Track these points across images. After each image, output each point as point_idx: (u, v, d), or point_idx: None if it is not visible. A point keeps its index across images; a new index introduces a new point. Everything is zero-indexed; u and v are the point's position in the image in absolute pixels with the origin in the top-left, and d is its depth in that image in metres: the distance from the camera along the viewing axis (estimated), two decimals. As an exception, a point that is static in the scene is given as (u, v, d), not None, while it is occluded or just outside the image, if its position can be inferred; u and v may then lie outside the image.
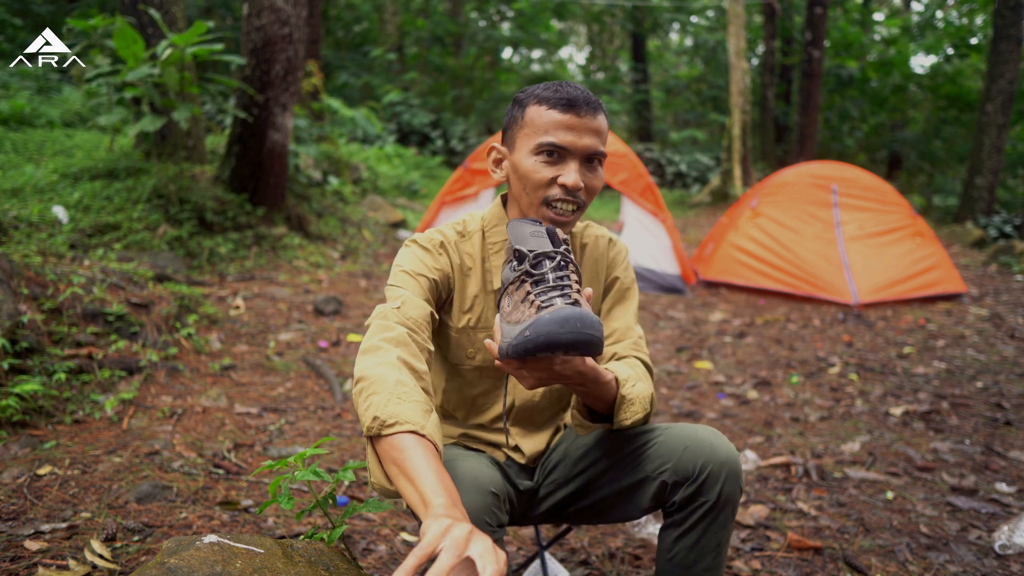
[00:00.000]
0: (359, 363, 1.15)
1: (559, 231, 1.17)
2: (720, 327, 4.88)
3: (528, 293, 1.07)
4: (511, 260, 1.14)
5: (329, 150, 8.03)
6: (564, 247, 1.13)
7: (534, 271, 1.09)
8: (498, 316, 1.14)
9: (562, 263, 1.10)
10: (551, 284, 1.06)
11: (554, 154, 1.26)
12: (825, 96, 16.65)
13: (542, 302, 1.04)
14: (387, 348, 1.15)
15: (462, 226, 1.42)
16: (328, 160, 7.97)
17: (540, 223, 1.17)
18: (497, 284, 1.36)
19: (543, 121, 1.26)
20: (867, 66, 16.76)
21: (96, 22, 5.06)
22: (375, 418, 1.05)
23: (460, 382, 1.43)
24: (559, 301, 1.03)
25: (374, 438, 1.07)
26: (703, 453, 1.25)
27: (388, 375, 1.10)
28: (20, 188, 5.05)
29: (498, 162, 1.37)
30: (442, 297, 1.36)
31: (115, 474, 2.21)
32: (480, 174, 5.59)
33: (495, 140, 1.53)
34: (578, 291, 1.09)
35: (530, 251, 1.10)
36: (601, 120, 1.28)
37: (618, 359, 1.41)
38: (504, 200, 1.43)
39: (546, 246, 1.11)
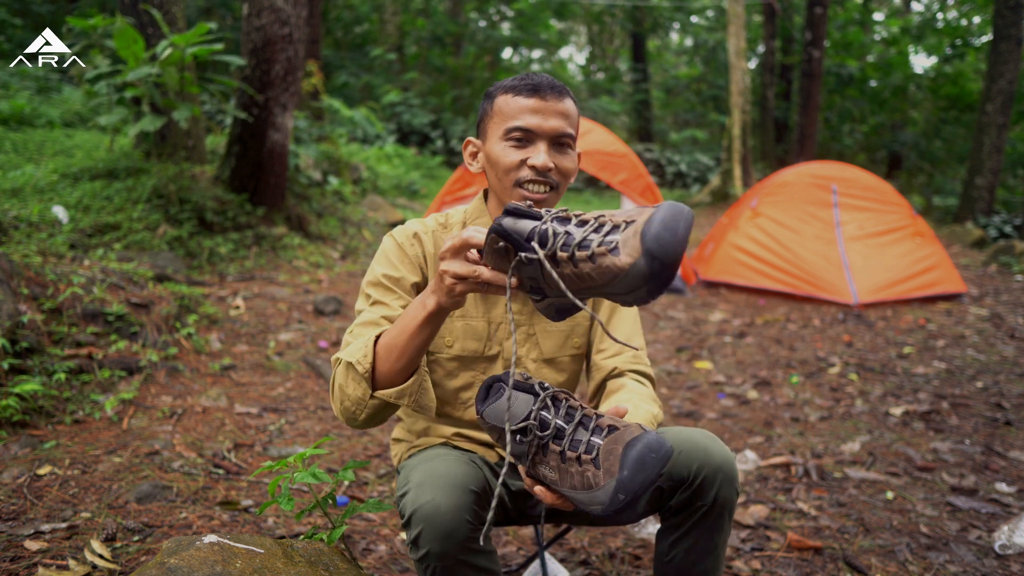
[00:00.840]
0: (335, 385, 1.23)
1: (519, 377, 1.07)
2: (720, 327, 4.88)
3: (561, 452, 1.01)
4: (513, 437, 1.04)
5: (329, 150, 8.03)
6: (543, 388, 1.05)
7: (545, 433, 1.02)
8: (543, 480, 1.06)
9: (555, 402, 1.04)
10: (570, 428, 1.02)
11: (522, 137, 1.28)
12: (825, 96, 16.65)
13: (587, 452, 0.99)
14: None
15: (445, 218, 1.46)
16: (328, 160, 7.97)
17: (502, 388, 1.07)
18: None
19: (510, 108, 1.29)
20: (867, 66, 16.76)
21: (96, 22, 5.06)
22: (355, 363, 1.17)
23: (441, 374, 1.43)
24: (597, 440, 1.00)
25: (375, 381, 1.18)
26: (698, 457, 1.25)
27: (342, 354, 1.22)
28: (20, 188, 5.05)
29: (474, 155, 1.40)
30: (415, 292, 1.37)
31: (115, 474, 2.21)
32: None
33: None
34: (597, 415, 1.04)
35: (531, 420, 1.03)
36: (568, 104, 1.31)
37: (617, 374, 1.43)
38: (486, 194, 1.45)
39: (530, 403, 1.03)
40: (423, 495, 1.12)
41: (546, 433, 1.02)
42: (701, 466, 1.24)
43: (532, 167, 1.27)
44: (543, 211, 0.98)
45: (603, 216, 0.95)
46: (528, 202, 1.02)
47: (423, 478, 1.15)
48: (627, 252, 0.87)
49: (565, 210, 0.99)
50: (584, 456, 0.99)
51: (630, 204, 5.94)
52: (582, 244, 0.92)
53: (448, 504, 1.10)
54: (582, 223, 0.94)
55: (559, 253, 0.93)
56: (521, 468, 1.08)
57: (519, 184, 1.29)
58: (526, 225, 0.97)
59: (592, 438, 1.00)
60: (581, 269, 0.91)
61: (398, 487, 1.24)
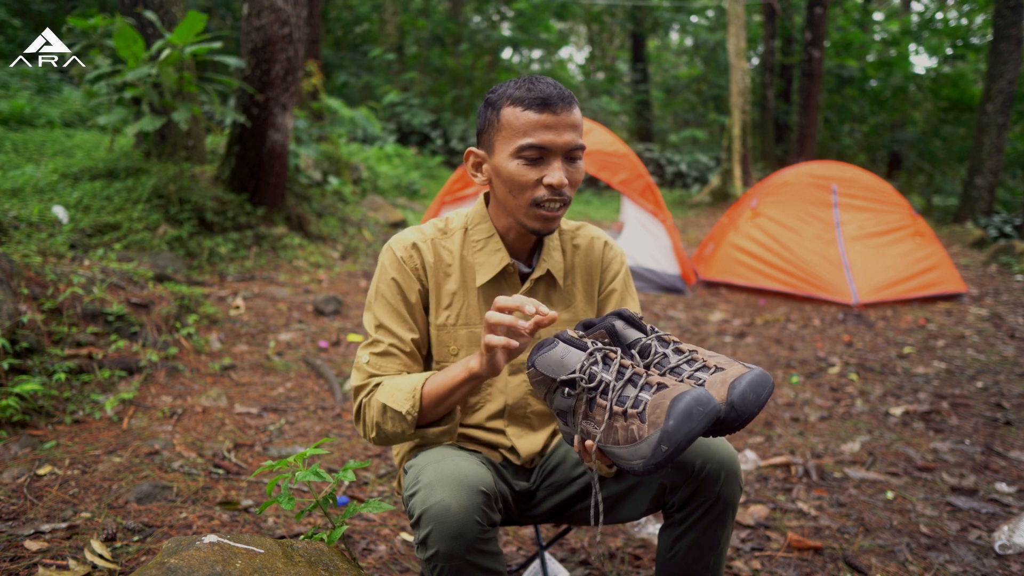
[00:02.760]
0: (368, 417, 1.31)
1: (572, 333, 1.11)
2: (720, 327, 4.88)
3: (608, 407, 1.02)
4: (558, 389, 1.07)
5: (329, 150, 8.03)
6: (594, 345, 1.08)
7: (594, 385, 1.04)
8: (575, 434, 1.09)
9: (603, 359, 1.06)
10: (619, 384, 1.03)
11: (536, 155, 1.26)
12: (825, 96, 16.66)
13: (633, 407, 1.00)
14: (374, 387, 1.33)
15: (444, 224, 1.45)
16: (328, 160, 7.96)
17: (555, 341, 1.09)
18: (481, 280, 1.39)
19: (520, 123, 1.25)
20: (867, 66, 16.76)
21: (96, 22, 5.06)
22: (405, 413, 1.24)
23: None
24: (645, 396, 1.00)
25: (421, 420, 1.27)
26: (701, 453, 1.25)
27: (380, 397, 1.29)
28: (20, 188, 5.05)
29: (477, 166, 1.37)
30: (422, 300, 1.40)
31: (115, 474, 2.21)
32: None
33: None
34: (647, 374, 1.05)
35: (579, 372, 1.05)
36: (576, 113, 1.29)
37: None
38: (487, 198, 1.43)
39: (581, 357, 1.06)
40: (433, 495, 1.12)
41: (594, 386, 1.04)
42: (705, 461, 1.24)
43: (548, 186, 1.26)
44: (650, 327, 1.15)
45: (696, 352, 1.10)
46: (640, 316, 1.17)
47: (433, 478, 1.15)
48: (711, 393, 1.01)
49: (668, 334, 1.14)
50: (631, 410, 1.00)
51: (630, 204, 5.94)
52: (674, 370, 1.08)
53: (458, 505, 1.10)
54: (678, 351, 1.11)
55: (653, 368, 1.10)
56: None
57: (536, 203, 1.28)
58: (633, 334, 1.14)
59: (640, 394, 1.01)
60: None
61: (406, 486, 1.23)
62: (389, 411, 1.27)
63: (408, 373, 1.36)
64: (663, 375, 1.08)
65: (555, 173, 1.25)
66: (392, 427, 1.28)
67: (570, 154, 1.28)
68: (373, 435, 1.31)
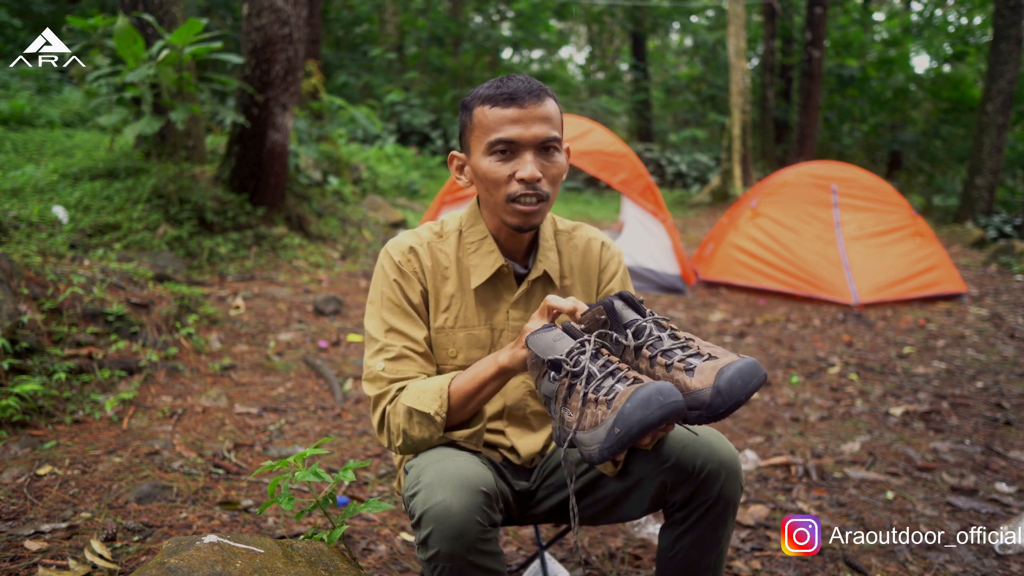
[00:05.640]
0: (393, 424, 1.30)
1: (573, 324, 1.14)
2: (720, 327, 4.88)
3: (584, 394, 1.04)
4: (546, 372, 1.10)
5: (329, 150, 8.03)
6: (585, 336, 1.11)
7: (577, 371, 1.07)
8: (559, 429, 1.11)
9: (595, 352, 1.08)
10: (600, 375, 1.05)
11: (506, 150, 1.26)
12: (825, 96, 16.65)
13: (605, 395, 1.02)
14: (395, 396, 1.31)
15: (439, 226, 1.45)
16: (328, 160, 7.96)
17: (552, 327, 1.13)
18: (476, 282, 1.39)
19: (490, 120, 1.27)
20: (867, 66, 16.76)
21: (96, 22, 5.06)
22: (433, 414, 1.24)
23: None
24: (620, 387, 1.02)
25: (450, 422, 1.27)
26: (702, 452, 1.25)
27: (405, 400, 1.28)
28: (20, 188, 5.05)
29: (460, 168, 1.39)
30: (424, 302, 1.40)
31: (115, 474, 2.21)
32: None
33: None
34: (627, 369, 1.07)
35: (566, 355, 1.08)
36: (549, 106, 1.28)
37: None
38: (479, 199, 1.44)
39: (571, 344, 1.09)
40: (434, 496, 1.12)
41: (576, 372, 1.06)
42: (706, 461, 1.24)
43: (521, 180, 1.26)
44: (648, 311, 1.14)
45: (692, 340, 1.10)
46: (640, 299, 1.16)
47: (434, 479, 1.15)
48: (699, 379, 1.03)
49: (667, 319, 1.14)
50: (602, 398, 1.02)
51: (630, 204, 5.93)
52: (667, 352, 1.08)
53: (459, 505, 1.10)
54: (674, 336, 1.11)
55: (645, 350, 1.10)
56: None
57: (511, 199, 1.28)
58: (630, 314, 1.13)
59: (616, 384, 1.03)
60: (654, 371, 1.08)
61: (407, 487, 1.23)
62: (416, 414, 1.25)
63: (427, 376, 1.35)
64: (654, 357, 1.09)
65: (526, 167, 1.25)
66: (419, 432, 1.26)
67: (543, 146, 1.28)
68: (399, 443, 1.29)
